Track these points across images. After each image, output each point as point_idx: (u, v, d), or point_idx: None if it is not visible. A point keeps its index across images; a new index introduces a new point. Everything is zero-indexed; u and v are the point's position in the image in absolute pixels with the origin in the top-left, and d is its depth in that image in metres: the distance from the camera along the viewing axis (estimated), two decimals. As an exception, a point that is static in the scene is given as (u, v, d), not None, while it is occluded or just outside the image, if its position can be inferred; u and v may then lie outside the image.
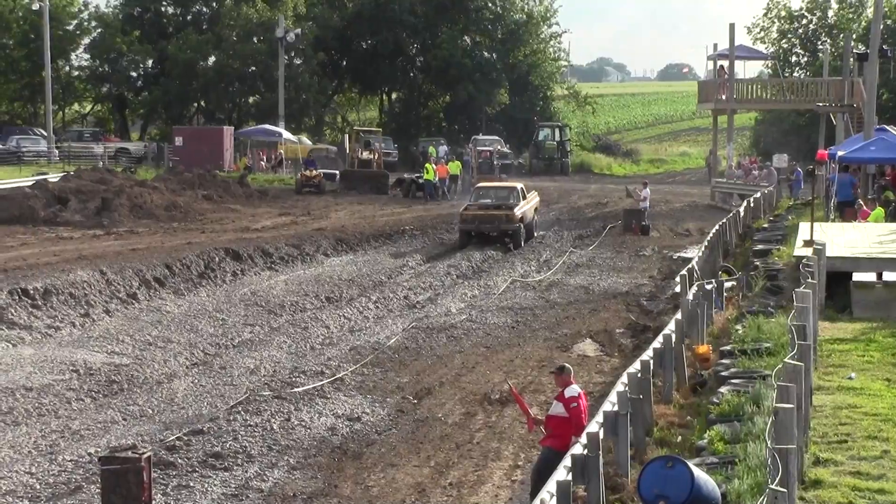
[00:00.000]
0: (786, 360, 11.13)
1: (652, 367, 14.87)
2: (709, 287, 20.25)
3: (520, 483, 14.00)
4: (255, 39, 72.38)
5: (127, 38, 73.78)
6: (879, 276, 21.02)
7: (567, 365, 13.13)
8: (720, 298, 21.53)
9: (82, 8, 75.91)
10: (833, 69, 62.62)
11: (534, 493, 12.24)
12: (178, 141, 61.67)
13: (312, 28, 72.37)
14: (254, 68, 72.76)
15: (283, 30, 65.77)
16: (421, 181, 50.79)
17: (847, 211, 31.59)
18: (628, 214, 41.86)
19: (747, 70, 68.55)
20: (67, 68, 77.04)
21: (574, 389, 12.66)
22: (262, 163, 62.11)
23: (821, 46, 75.22)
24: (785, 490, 8.15)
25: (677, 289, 23.37)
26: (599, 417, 12.44)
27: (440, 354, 21.47)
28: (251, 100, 77.92)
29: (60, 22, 71.72)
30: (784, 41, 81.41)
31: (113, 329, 22.47)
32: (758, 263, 24.97)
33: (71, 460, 14.72)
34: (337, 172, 56.17)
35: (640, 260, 34.58)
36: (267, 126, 64.34)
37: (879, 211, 29.38)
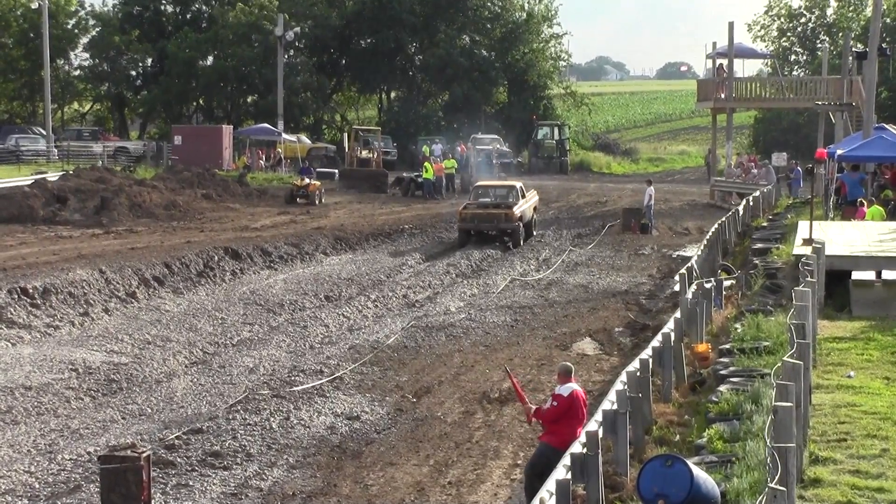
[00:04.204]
0: (785, 358, 11.13)
1: (651, 366, 14.88)
2: (708, 286, 20.24)
3: (519, 482, 13.98)
4: (252, 38, 72.36)
5: (126, 37, 73.78)
6: (878, 274, 21.02)
7: (565, 364, 13.07)
8: (719, 297, 21.53)
9: (81, 7, 75.87)
10: (832, 68, 62.64)
11: (528, 487, 12.27)
12: (177, 140, 61.65)
13: (306, 28, 72.40)
14: (252, 68, 72.73)
15: (282, 28, 65.72)
16: (420, 180, 50.81)
17: (847, 210, 31.58)
18: (627, 213, 41.78)
19: (746, 68, 68.65)
20: (66, 67, 76.98)
21: (565, 388, 12.48)
22: (261, 162, 62.11)
23: (820, 45, 75.23)
24: (784, 489, 8.15)
25: (676, 287, 23.39)
26: (599, 416, 12.44)
27: (439, 353, 21.47)
28: (250, 99, 77.94)
29: (59, 20, 71.67)
30: (783, 39, 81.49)
31: (112, 328, 22.48)
32: (757, 262, 24.96)
33: (70, 459, 14.72)
34: (336, 171, 56.25)
35: (639, 259, 34.58)
36: (266, 125, 64.32)
37: (876, 209, 29.35)
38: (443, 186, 51.41)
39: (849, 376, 15.23)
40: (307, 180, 46.51)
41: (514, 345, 22.21)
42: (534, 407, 12.89)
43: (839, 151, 34.47)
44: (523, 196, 37.99)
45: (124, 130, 78.02)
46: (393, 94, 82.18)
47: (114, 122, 79.34)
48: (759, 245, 28.43)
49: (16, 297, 22.61)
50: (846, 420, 13.08)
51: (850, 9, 79.51)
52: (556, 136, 70.70)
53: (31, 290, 23.01)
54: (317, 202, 45.15)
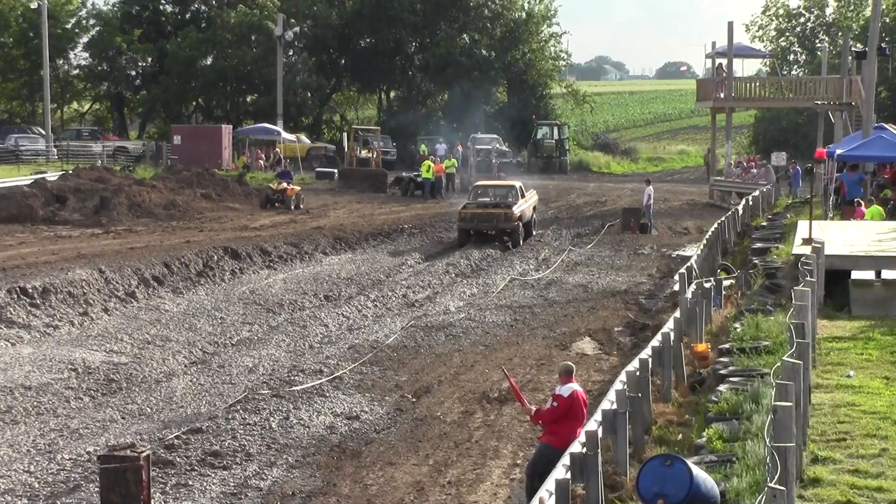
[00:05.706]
0: (784, 358, 11.13)
1: (650, 366, 14.89)
2: (707, 285, 20.26)
3: (518, 482, 13.98)
4: (252, 38, 72.34)
5: (126, 37, 73.80)
6: (878, 274, 21.04)
7: (567, 363, 13.05)
8: (719, 297, 21.54)
9: (81, 6, 75.90)
10: (831, 67, 62.68)
11: (529, 487, 12.26)
12: (177, 139, 61.69)
13: (306, 27, 72.43)
14: (252, 68, 72.74)
15: (282, 28, 65.72)
16: (420, 179, 50.80)
17: (846, 209, 31.59)
18: (627, 213, 41.77)
19: (746, 68, 68.73)
20: (66, 67, 77.03)
21: (566, 388, 12.45)
22: (261, 161, 62.13)
23: (819, 45, 75.26)
24: (784, 488, 8.15)
25: (676, 287, 23.39)
26: (598, 416, 12.43)
27: (439, 353, 21.47)
28: (249, 99, 77.96)
29: (59, 20, 71.71)
30: (782, 39, 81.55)
31: (112, 328, 22.47)
32: (756, 262, 24.97)
33: (70, 459, 14.71)
34: (335, 171, 56.24)
35: (638, 258, 34.58)
36: (265, 125, 64.36)
37: (875, 209, 29.35)
38: (442, 186, 51.40)
39: (848, 376, 15.24)
40: (284, 184, 43.83)
41: (514, 344, 22.21)
42: (534, 408, 12.88)
43: (839, 151, 34.50)
44: (523, 196, 37.98)
45: (123, 130, 78.05)
46: (392, 94, 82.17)
47: (113, 122, 79.39)
48: (758, 245, 28.45)
49: (15, 296, 22.59)
50: (846, 420, 13.09)
51: (850, 8, 79.54)
52: (556, 136, 70.72)
53: (30, 290, 22.98)
54: (292, 207, 42.24)
